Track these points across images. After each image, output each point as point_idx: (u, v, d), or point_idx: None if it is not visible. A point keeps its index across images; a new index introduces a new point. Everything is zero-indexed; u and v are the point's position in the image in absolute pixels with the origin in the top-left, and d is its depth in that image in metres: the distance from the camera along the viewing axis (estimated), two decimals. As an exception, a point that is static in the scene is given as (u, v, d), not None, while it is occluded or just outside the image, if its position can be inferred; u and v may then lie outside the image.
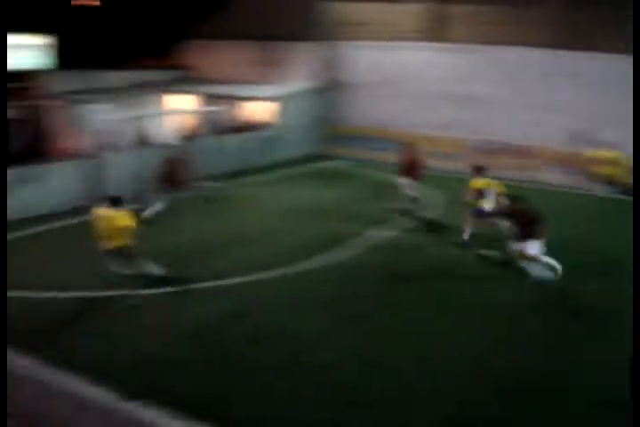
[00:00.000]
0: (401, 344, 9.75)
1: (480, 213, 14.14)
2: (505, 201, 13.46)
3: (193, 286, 11.82)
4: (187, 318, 10.58)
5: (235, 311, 10.79)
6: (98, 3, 25.49)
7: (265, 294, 11.57)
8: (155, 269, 11.87)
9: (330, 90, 24.56)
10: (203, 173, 18.28)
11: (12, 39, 21.01)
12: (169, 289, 11.63)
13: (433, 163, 21.42)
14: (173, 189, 16.13)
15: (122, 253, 11.45)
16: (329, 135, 24.56)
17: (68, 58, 22.32)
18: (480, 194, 14.16)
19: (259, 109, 24.04)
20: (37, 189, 16.09)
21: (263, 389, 8.50)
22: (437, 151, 21.54)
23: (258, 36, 25.49)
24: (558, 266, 12.17)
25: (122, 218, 11.31)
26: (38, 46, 21.69)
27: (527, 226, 12.10)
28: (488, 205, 14.05)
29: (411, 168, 16.34)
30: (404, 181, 16.38)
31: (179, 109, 24.75)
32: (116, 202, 11.56)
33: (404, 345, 9.71)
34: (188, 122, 24.14)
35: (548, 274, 12.25)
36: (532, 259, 12.26)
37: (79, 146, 20.16)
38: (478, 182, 14.30)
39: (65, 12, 24.36)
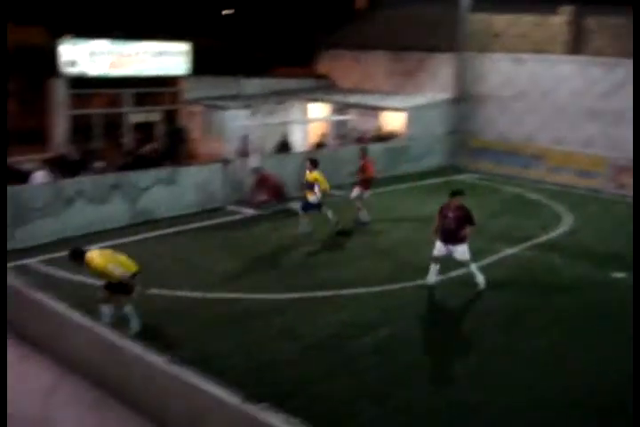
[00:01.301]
0: (523, 364, 9.42)
1: (307, 206, 15.17)
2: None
3: (319, 293, 11.85)
4: (312, 325, 10.59)
5: (358, 321, 10.73)
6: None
7: (389, 305, 11.44)
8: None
9: (462, 102, 24.20)
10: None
11: (154, 45, 21.86)
12: (296, 295, 11.70)
13: (570, 180, 20.82)
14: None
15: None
16: (459, 148, 24.17)
17: (205, 64, 22.97)
18: (311, 187, 15.00)
19: (390, 120, 24.00)
20: (170, 192, 16.52)
21: (383, 400, 8.42)
22: (575, 168, 20.87)
23: (392, 46, 25.51)
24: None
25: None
26: (178, 53, 22.42)
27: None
28: (313, 197, 15.01)
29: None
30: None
31: (313, 118, 25.05)
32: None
33: (527, 365, 9.38)
34: (320, 130, 24.40)
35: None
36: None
37: (216, 150, 20.70)
38: (311, 176, 15.07)
39: (203, 18, 25.09)
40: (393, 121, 23.78)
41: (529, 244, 14.98)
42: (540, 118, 22.55)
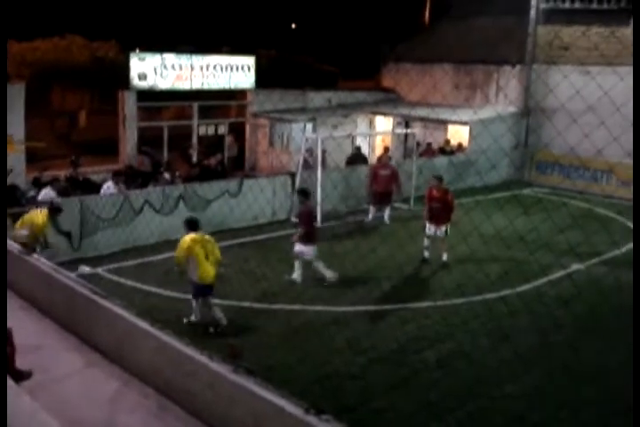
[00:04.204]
0: (587, 383, 9.18)
1: (204, 291, 10.74)
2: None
3: (384, 306, 11.81)
4: (376, 338, 10.55)
5: (422, 335, 10.66)
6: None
7: (453, 319, 11.34)
8: None
9: (528, 115, 23.90)
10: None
11: (221, 59, 22.23)
12: (360, 308, 11.66)
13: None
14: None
15: None
16: (526, 162, 23.87)
17: (272, 78, 23.24)
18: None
19: (457, 133, 23.84)
20: (236, 203, 16.64)
21: (444, 415, 8.37)
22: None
23: (459, 59, 25.36)
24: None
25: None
26: (244, 66, 22.75)
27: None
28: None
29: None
30: None
31: (377, 131, 25.07)
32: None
33: (591, 384, 9.14)
34: (384, 143, 24.38)
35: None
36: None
37: (281, 163, 20.86)
38: (195, 239, 10.56)
39: (269, 32, 25.45)
40: (460, 134, 23.62)
41: (597, 259, 14.67)
42: (609, 132, 22.04)
